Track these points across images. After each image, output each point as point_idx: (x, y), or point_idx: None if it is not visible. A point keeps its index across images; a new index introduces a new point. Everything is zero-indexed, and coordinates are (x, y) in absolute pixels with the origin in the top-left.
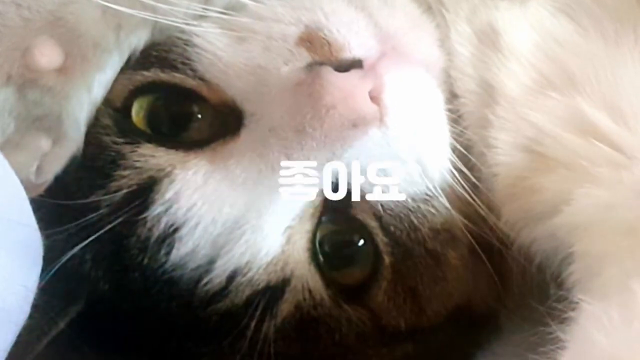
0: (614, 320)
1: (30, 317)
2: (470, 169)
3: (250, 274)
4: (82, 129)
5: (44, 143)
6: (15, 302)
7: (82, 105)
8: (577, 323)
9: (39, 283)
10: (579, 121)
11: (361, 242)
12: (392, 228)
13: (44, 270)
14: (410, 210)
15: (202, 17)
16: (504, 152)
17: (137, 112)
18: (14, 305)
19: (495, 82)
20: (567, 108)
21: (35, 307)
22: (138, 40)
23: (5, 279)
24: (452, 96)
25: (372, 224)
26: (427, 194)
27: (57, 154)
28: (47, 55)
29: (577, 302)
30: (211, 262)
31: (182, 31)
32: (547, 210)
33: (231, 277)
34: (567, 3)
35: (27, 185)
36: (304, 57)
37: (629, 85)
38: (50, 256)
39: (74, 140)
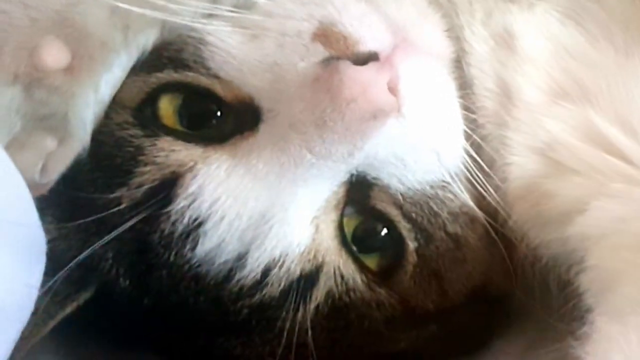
0: (632, 344)
1: (38, 299)
2: (485, 160)
3: (285, 266)
4: (89, 128)
5: (50, 142)
6: (19, 301)
7: (88, 105)
8: (595, 342)
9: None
10: (591, 132)
11: (384, 231)
12: (413, 215)
13: (61, 262)
14: (429, 197)
15: (212, 16)
16: (518, 153)
17: (166, 108)
18: (18, 304)
19: (512, 83)
20: (579, 118)
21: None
22: (147, 40)
23: (8, 280)
24: (467, 88)
25: (394, 212)
26: (443, 181)
27: (62, 153)
28: (54, 55)
29: (585, 314)
30: (241, 257)
31: (194, 30)
32: (559, 217)
33: (266, 271)
34: (572, 9)
35: (31, 185)
36: (320, 52)
37: (639, 99)
38: (69, 251)
39: (80, 139)
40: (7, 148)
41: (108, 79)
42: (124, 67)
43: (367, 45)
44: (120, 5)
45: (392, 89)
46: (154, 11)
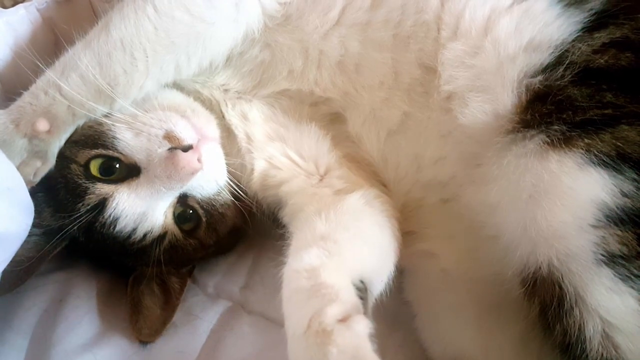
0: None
1: (35, 245)
2: (238, 178)
3: (152, 232)
4: (55, 158)
5: (38, 163)
6: (14, 234)
7: (56, 147)
8: (293, 242)
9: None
10: (284, 152)
11: (191, 211)
12: (205, 205)
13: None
14: (211, 197)
15: (111, 117)
16: (257, 161)
17: (94, 168)
18: (12, 236)
19: (249, 132)
20: (279, 147)
21: (37, 243)
22: (83, 121)
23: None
24: (234, 148)
25: (196, 205)
26: (218, 191)
27: (43, 168)
28: (42, 125)
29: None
30: (134, 229)
31: (106, 123)
32: (275, 186)
33: (145, 235)
34: (271, 100)
35: (27, 182)
36: (167, 144)
37: (306, 139)
38: (60, 223)
39: (52, 163)
40: (18, 167)
41: (65, 137)
42: (71, 132)
43: (186, 141)
44: (70, 104)
45: (199, 160)
46: (82, 110)
